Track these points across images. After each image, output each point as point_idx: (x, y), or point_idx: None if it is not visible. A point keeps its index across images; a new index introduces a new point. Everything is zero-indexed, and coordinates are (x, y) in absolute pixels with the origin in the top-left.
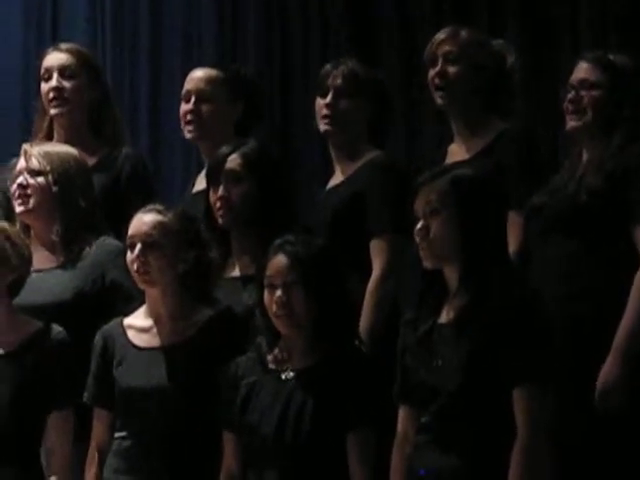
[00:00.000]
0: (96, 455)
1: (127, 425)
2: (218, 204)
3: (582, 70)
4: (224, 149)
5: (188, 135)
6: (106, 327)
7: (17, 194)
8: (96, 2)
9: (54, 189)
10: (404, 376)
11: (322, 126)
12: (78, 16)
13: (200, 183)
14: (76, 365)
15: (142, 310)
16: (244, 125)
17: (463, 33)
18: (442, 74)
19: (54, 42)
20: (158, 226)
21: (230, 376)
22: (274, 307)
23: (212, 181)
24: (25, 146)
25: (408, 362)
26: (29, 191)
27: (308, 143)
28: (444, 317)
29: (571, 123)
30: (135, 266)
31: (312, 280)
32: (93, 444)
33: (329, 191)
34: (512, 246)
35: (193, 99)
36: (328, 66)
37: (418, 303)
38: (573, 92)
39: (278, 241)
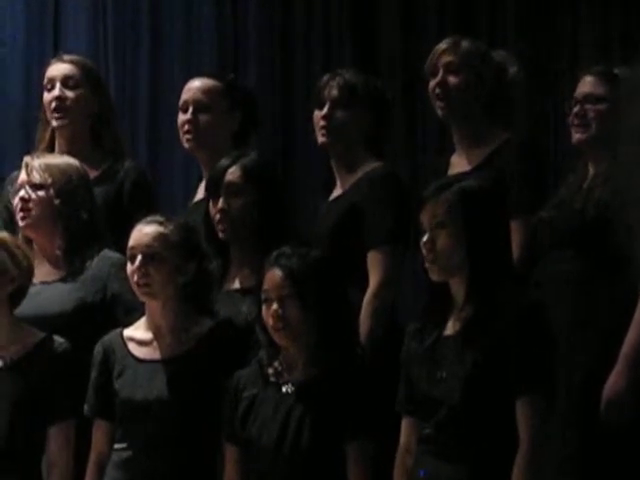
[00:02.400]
0: (95, 466)
1: (127, 436)
2: (218, 217)
3: (587, 84)
4: (224, 161)
5: (186, 145)
6: (106, 338)
7: (19, 208)
8: (97, 13)
9: (56, 202)
10: (407, 387)
11: (319, 138)
12: (79, 27)
13: (200, 192)
14: (79, 376)
15: (142, 322)
16: (242, 135)
17: (464, 43)
18: (443, 84)
19: (56, 53)
20: (159, 238)
21: (232, 389)
22: (271, 321)
23: (212, 194)
24: (26, 159)
25: (412, 373)
26: (31, 205)
27: (311, 155)
28: (449, 329)
29: (577, 136)
30: (136, 278)
31: (307, 293)
32: (93, 455)
33: (330, 203)
34: (514, 256)
35: (191, 109)
36: (325, 77)
37: (422, 314)
38: (578, 106)
39: (274, 254)
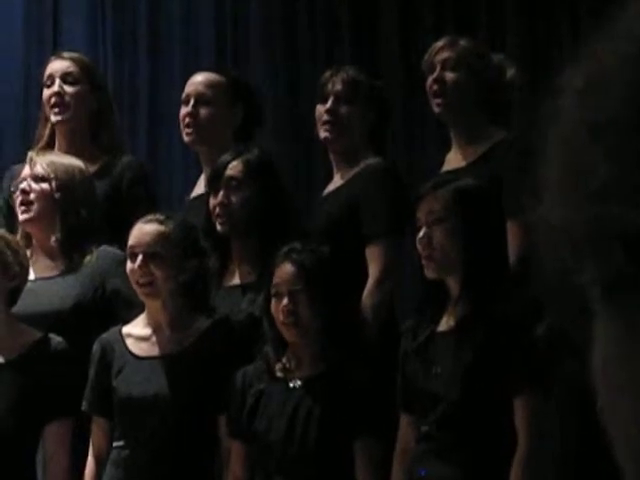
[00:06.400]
0: (94, 464)
1: (126, 434)
2: (217, 210)
3: None
4: (226, 156)
5: (187, 138)
6: (104, 335)
7: (20, 200)
8: (96, 9)
9: (56, 196)
10: (404, 384)
11: (322, 133)
12: (79, 23)
13: (199, 187)
14: (76, 375)
15: (141, 318)
16: (244, 130)
17: (462, 41)
18: (440, 81)
19: (55, 51)
20: (159, 236)
21: (237, 385)
22: (281, 316)
23: (212, 187)
24: (31, 153)
25: (408, 370)
26: (32, 197)
27: (307, 149)
28: (444, 325)
29: None
30: (137, 277)
31: (318, 288)
32: (91, 452)
33: (327, 196)
34: (511, 255)
35: (192, 102)
36: (328, 73)
37: (418, 310)
38: None
39: (285, 249)
